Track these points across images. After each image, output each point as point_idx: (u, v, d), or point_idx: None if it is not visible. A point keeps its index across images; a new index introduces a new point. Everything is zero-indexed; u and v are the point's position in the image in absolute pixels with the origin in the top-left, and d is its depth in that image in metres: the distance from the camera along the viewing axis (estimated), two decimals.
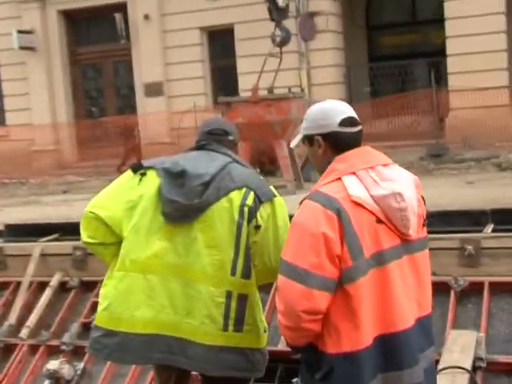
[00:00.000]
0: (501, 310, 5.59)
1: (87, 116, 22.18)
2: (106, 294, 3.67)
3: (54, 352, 6.44)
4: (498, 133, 16.98)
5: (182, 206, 3.52)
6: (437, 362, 4.83)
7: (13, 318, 6.96)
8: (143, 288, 3.57)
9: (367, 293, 2.85)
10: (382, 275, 2.87)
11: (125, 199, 3.64)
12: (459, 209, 7.45)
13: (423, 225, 3.06)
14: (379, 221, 2.88)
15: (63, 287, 7.01)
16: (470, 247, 5.77)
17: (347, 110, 3.07)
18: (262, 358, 3.72)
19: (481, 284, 5.69)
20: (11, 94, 22.28)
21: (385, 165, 2.99)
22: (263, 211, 3.59)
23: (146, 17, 20.62)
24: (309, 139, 3.09)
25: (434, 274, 5.72)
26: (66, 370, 5.98)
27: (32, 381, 6.30)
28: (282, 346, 5.68)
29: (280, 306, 2.86)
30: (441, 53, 18.93)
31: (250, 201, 3.56)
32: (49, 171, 19.90)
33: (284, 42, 13.45)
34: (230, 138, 3.82)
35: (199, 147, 3.76)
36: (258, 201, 3.58)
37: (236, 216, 3.53)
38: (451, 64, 18.20)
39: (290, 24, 15.08)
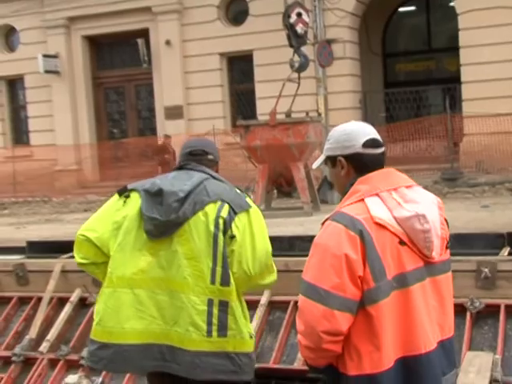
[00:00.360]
0: None
1: (109, 137, 22.58)
2: (98, 309, 3.90)
3: (73, 366, 6.38)
4: (511, 158, 17.22)
5: (161, 223, 3.74)
6: None
7: (33, 332, 6.91)
8: (132, 302, 3.78)
9: (389, 315, 2.80)
10: (405, 297, 2.83)
11: (111, 221, 3.86)
12: (475, 232, 7.44)
13: (446, 247, 3.03)
14: (402, 242, 2.84)
15: (83, 303, 6.95)
16: (486, 270, 5.70)
17: (371, 132, 3.03)
18: (249, 361, 3.81)
19: (497, 306, 5.60)
20: (36, 116, 22.71)
21: (408, 186, 2.96)
22: (238, 222, 3.73)
23: (168, 42, 21.07)
24: (332, 160, 3.06)
25: None
26: None
27: None
28: (297, 365, 5.74)
29: (300, 326, 2.83)
30: (455, 79, 19.19)
31: (224, 213, 3.72)
32: (71, 190, 20.26)
33: (302, 67, 13.64)
34: (210, 157, 4.00)
35: (179, 168, 3.99)
36: (233, 212, 3.73)
37: (212, 228, 3.70)
38: (466, 90, 18.46)
39: (308, 50, 15.33)
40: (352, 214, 2.82)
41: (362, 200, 2.87)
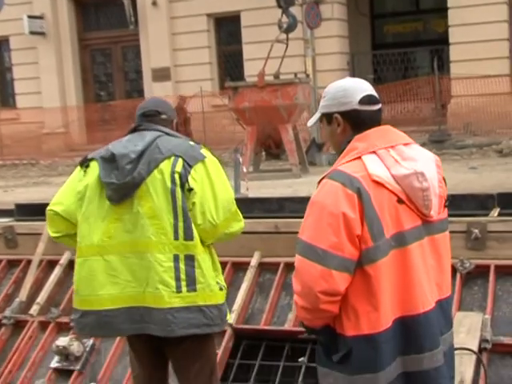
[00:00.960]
0: (506, 293, 5.55)
1: (96, 100, 22.49)
2: (74, 279, 3.98)
3: (63, 329, 6.38)
4: (499, 120, 17.26)
5: (118, 186, 3.77)
6: None
7: (23, 295, 6.91)
8: (104, 269, 3.84)
9: (387, 274, 2.77)
10: (403, 256, 2.79)
11: (75, 192, 3.92)
12: (465, 192, 7.35)
13: (444, 206, 2.98)
14: (400, 201, 2.80)
15: (72, 265, 6.99)
16: (476, 230, 5.68)
17: (368, 88, 2.96)
18: (219, 313, 3.85)
19: (487, 267, 5.58)
20: (22, 78, 22.54)
21: (406, 144, 2.91)
22: (195, 174, 3.75)
23: (154, 3, 20.89)
24: (327, 117, 2.99)
25: None
26: (76, 347, 5.97)
27: (42, 356, 6.29)
28: (288, 326, 5.86)
29: (297, 286, 2.79)
30: (443, 41, 19.17)
31: (178, 167, 3.74)
32: (58, 153, 20.19)
33: (290, 28, 13.61)
34: (163, 116, 3.98)
35: (132, 130, 3.96)
36: (188, 165, 3.74)
37: (168, 184, 3.72)
38: (454, 52, 18.45)
39: (296, 11, 15.26)
40: (349, 171, 2.77)
41: (360, 158, 2.82)
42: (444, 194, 2.98)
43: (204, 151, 3.88)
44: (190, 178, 3.75)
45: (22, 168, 18.55)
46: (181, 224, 3.74)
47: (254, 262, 6.36)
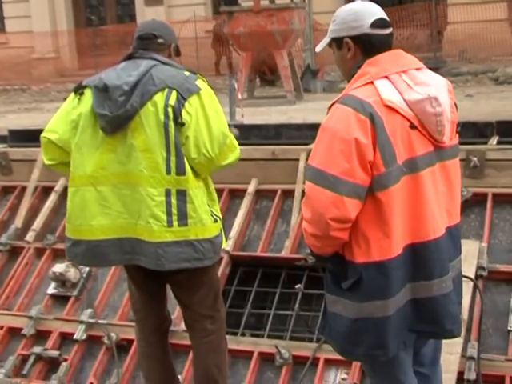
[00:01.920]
0: (503, 221, 5.59)
1: (87, 24, 22.14)
2: (67, 208, 3.97)
3: (59, 255, 6.39)
4: (495, 47, 17.10)
5: (111, 118, 3.71)
6: None
7: (18, 221, 6.91)
8: (96, 199, 3.82)
9: (399, 200, 2.76)
10: (415, 183, 2.79)
11: (69, 120, 3.86)
12: (463, 120, 7.42)
13: (456, 132, 2.98)
14: (413, 126, 2.78)
15: (67, 192, 7.17)
16: (475, 158, 5.69)
17: (378, 11, 2.93)
18: (211, 246, 3.84)
19: (484, 195, 5.62)
20: (10, 1, 22.16)
21: (418, 68, 2.89)
22: (189, 107, 3.69)
23: None
24: (337, 42, 2.95)
25: None
26: (72, 273, 6.00)
27: (38, 283, 6.32)
28: (285, 253, 5.89)
29: (307, 213, 2.77)
30: None
31: (172, 100, 3.67)
32: (49, 79, 19.98)
33: None
34: (160, 40, 3.90)
35: (127, 57, 3.89)
36: (182, 98, 3.68)
37: (161, 117, 3.67)
38: None
39: None
40: (361, 96, 2.73)
41: (371, 83, 2.79)
42: (456, 119, 2.96)
43: (199, 82, 3.81)
44: (183, 112, 3.69)
45: (12, 94, 18.36)
46: (173, 158, 3.71)
47: (250, 188, 6.35)
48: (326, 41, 3.03)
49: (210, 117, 3.74)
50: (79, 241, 3.91)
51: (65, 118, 3.89)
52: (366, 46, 2.89)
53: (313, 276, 5.76)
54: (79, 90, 3.88)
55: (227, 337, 4.38)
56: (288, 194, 6.32)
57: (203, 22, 19.46)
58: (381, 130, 2.70)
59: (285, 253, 5.91)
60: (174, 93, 3.69)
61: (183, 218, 3.75)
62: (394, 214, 2.76)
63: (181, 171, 3.73)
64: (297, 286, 5.65)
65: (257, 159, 6.40)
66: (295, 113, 10.57)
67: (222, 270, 5.75)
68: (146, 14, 20.58)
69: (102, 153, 3.80)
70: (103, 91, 3.74)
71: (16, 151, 7.64)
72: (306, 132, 7.58)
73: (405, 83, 2.80)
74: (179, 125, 3.69)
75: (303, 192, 6.08)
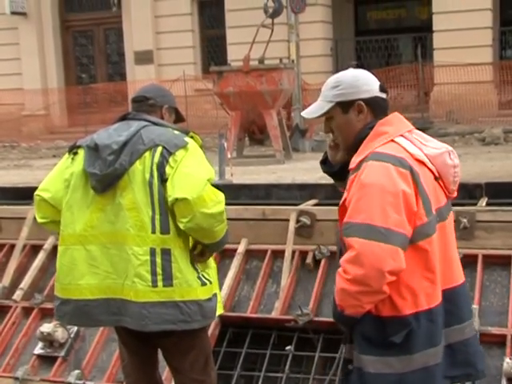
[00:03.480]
0: (494, 283, 5.63)
1: (77, 82, 22.22)
2: (56, 267, 3.97)
3: (47, 315, 6.37)
4: (481, 108, 17.31)
5: (100, 177, 3.75)
6: None
7: (6, 280, 6.88)
8: (85, 258, 3.82)
9: (436, 248, 2.87)
10: (443, 231, 2.93)
11: (62, 179, 3.90)
12: None
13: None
14: (437, 178, 2.93)
15: (56, 251, 7.12)
16: (464, 220, 5.75)
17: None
18: (200, 309, 3.77)
19: (475, 256, 5.66)
20: (2, 59, 22.23)
21: (413, 129, 3.06)
22: (173, 162, 3.70)
23: None
24: (344, 106, 3.00)
25: None
26: (60, 333, 5.97)
27: (25, 342, 6.28)
28: (275, 314, 5.87)
29: (358, 270, 2.73)
30: (427, 28, 19.16)
31: (157, 157, 3.71)
32: (39, 136, 20.00)
33: (276, 13, 13.55)
34: (150, 102, 3.97)
35: (121, 118, 3.97)
36: (167, 153, 3.71)
37: (147, 176, 3.70)
38: (437, 39, 18.43)
39: None
40: (392, 152, 2.84)
41: (393, 141, 2.91)
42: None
43: (187, 138, 3.83)
44: (167, 167, 3.70)
45: (2, 150, 18.36)
46: (157, 217, 3.70)
47: (241, 248, 6.36)
48: (325, 106, 3.04)
49: (190, 165, 3.73)
50: (67, 300, 3.89)
51: (58, 177, 3.93)
52: (376, 108, 3.00)
53: (303, 337, 5.73)
54: (73, 149, 3.93)
55: None
56: (278, 255, 6.33)
57: (193, 81, 19.63)
58: (419, 182, 2.82)
59: (275, 314, 5.89)
60: (160, 149, 3.73)
61: (168, 278, 3.71)
62: (437, 261, 2.87)
63: (165, 230, 3.71)
64: (287, 348, 5.63)
65: (247, 219, 6.43)
66: (284, 172, 10.62)
67: (211, 331, 5.70)
68: (136, 73, 20.79)
69: (92, 212, 3.81)
70: (94, 150, 3.79)
71: (5, 209, 7.63)
72: (296, 192, 7.64)
73: (418, 140, 2.96)
74: (164, 182, 3.70)
75: (293, 253, 6.15)
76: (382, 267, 2.71)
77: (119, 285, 3.77)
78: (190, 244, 3.84)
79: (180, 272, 3.72)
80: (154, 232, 3.70)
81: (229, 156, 10.29)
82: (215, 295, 3.91)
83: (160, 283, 3.69)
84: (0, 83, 22.26)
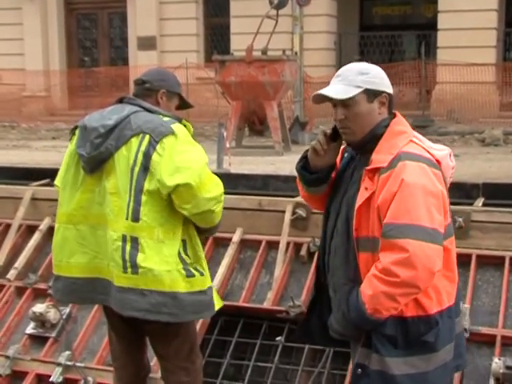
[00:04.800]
0: (486, 283, 5.65)
1: (79, 65, 22.15)
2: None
3: (40, 295, 6.40)
4: (482, 108, 17.30)
5: (86, 159, 3.77)
6: None
7: (1, 259, 6.91)
8: (75, 237, 3.87)
9: (454, 248, 3.00)
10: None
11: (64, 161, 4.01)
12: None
13: None
14: (445, 178, 3.00)
15: (52, 232, 7.12)
16: (460, 219, 5.76)
17: None
18: (169, 301, 3.71)
19: (468, 256, 5.69)
20: (5, 38, 22.19)
21: None
22: (160, 149, 3.67)
23: None
24: (371, 94, 2.98)
25: None
26: (52, 314, 5.99)
27: (17, 322, 6.30)
28: (267, 304, 5.89)
29: (410, 273, 2.73)
30: (431, 26, 19.14)
31: (143, 146, 3.69)
32: (39, 117, 19.96)
33: (281, 4, 13.47)
34: (147, 85, 3.95)
35: (118, 101, 3.96)
36: (154, 141, 3.68)
37: (131, 162, 3.69)
38: (441, 38, 18.41)
39: None
40: (420, 153, 2.89)
41: (411, 141, 2.95)
42: None
43: (175, 126, 3.78)
44: (154, 155, 3.67)
45: (1, 130, 18.32)
46: (131, 204, 3.70)
47: (235, 238, 6.37)
48: (353, 90, 2.97)
49: (184, 150, 3.71)
50: (59, 277, 3.97)
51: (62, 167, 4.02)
52: (392, 105, 3.06)
53: (294, 329, 5.74)
54: (73, 131, 3.96)
55: None
56: (272, 245, 6.34)
57: (195, 69, 19.60)
58: (445, 183, 2.95)
59: (267, 304, 5.91)
60: (147, 137, 3.71)
61: (135, 266, 3.70)
62: (455, 260, 2.98)
63: (135, 218, 3.70)
64: (277, 339, 5.64)
65: (243, 209, 6.44)
66: (282, 164, 10.62)
67: (201, 320, 5.72)
68: (138, 58, 20.75)
69: (82, 192, 3.85)
70: (82, 132, 3.82)
71: (2, 188, 7.64)
72: (293, 184, 7.62)
73: (422, 142, 3.02)
74: (147, 170, 3.68)
75: (288, 244, 6.16)
76: (433, 268, 2.75)
77: (105, 265, 3.82)
78: (179, 235, 3.79)
79: (145, 262, 3.68)
80: (127, 218, 3.71)
81: (228, 145, 10.28)
82: (209, 288, 3.87)
83: (129, 270, 3.70)
84: (2, 63, 22.24)
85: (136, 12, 20.92)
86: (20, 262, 6.77)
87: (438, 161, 2.94)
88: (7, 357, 5.80)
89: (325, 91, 3.00)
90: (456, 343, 3.03)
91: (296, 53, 15.01)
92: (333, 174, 3.18)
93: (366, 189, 2.89)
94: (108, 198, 3.76)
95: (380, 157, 2.90)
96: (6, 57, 22.11)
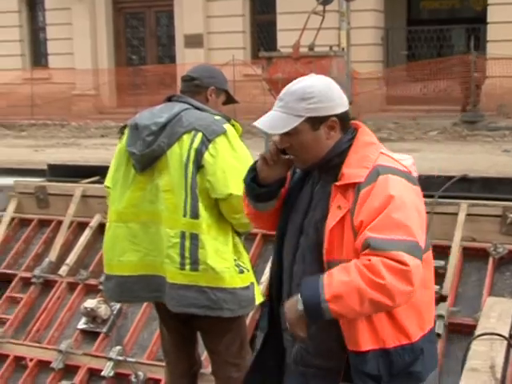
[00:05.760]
0: None
1: (127, 63, 22.39)
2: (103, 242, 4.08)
3: (91, 291, 6.52)
4: None
5: (138, 157, 3.81)
6: (474, 327, 5.00)
7: (53, 255, 7.03)
8: (126, 235, 3.89)
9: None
10: None
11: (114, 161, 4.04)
12: (500, 176, 7.34)
13: None
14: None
15: (102, 228, 7.20)
16: (511, 215, 5.74)
17: None
18: (229, 297, 3.77)
19: None
20: (55, 38, 22.54)
21: None
22: (213, 149, 3.72)
23: None
24: (315, 122, 2.64)
25: (473, 240, 5.84)
26: (103, 310, 6.09)
27: (69, 317, 6.40)
28: None
29: (399, 284, 2.39)
30: (481, 20, 18.88)
31: (196, 143, 3.73)
32: (88, 115, 20.21)
33: (328, 0, 13.48)
34: (196, 82, 3.96)
35: (166, 99, 4.00)
36: (207, 140, 3.73)
37: (184, 159, 3.73)
38: (491, 31, 18.15)
39: None
40: (397, 167, 2.63)
41: (382, 153, 2.65)
42: None
43: (227, 126, 3.83)
44: (206, 154, 3.72)
45: (52, 128, 18.59)
46: (189, 201, 3.73)
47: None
48: (293, 122, 2.63)
49: (235, 157, 3.76)
50: (110, 276, 4.00)
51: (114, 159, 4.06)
52: (346, 123, 2.71)
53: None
54: (122, 130, 4.01)
55: None
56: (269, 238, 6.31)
57: (242, 66, 19.63)
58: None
59: None
60: (200, 135, 3.75)
61: (195, 263, 3.74)
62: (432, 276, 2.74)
63: (194, 214, 3.74)
64: None
65: None
66: None
67: (251, 315, 5.73)
68: (185, 56, 20.84)
69: (132, 191, 3.88)
70: (135, 130, 3.85)
71: (54, 185, 7.78)
72: None
73: (390, 154, 2.74)
74: (200, 167, 3.73)
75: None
76: (416, 283, 2.45)
77: (158, 262, 3.83)
78: (230, 232, 3.86)
79: (206, 258, 3.73)
80: (185, 215, 3.74)
81: None
82: (252, 284, 3.93)
83: (187, 266, 3.74)
84: (52, 62, 22.61)
85: (183, 10, 21.02)
86: (71, 258, 6.88)
87: (410, 172, 2.67)
88: (60, 351, 5.90)
89: (261, 123, 2.67)
90: None
91: (343, 48, 14.92)
92: (283, 190, 2.87)
93: (339, 207, 2.58)
94: (161, 196, 3.79)
95: (353, 171, 2.59)
96: (57, 56, 22.46)
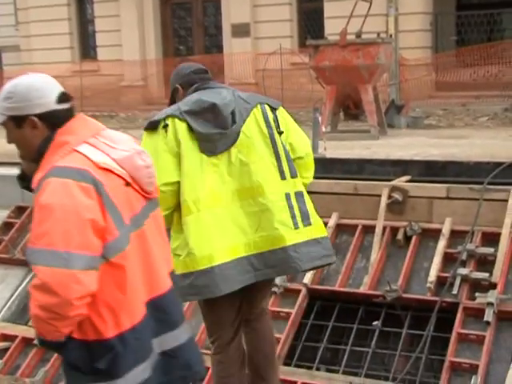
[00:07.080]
0: None
1: (175, 54, 22.51)
2: (181, 242, 3.84)
3: None
4: None
5: (222, 136, 3.82)
6: None
7: None
8: (213, 222, 3.81)
9: (134, 260, 2.72)
10: (141, 239, 2.79)
11: (171, 162, 3.83)
12: None
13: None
14: (127, 184, 2.76)
15: None
16: None
17: (58, 86, 2.83)
18: (330, 243, 4.18)
19: None
20: (103, 30, 22.77)
21: (103, 129, 2.85)
22: (280, 117, 4.04)
23: None
24: (17, 121, 2.76)
25: None
26: None
27: None
28: (363, 289, 5.89)
29: (44, 298, 2.52)
30: None
31: (269, 113, 3.99)
32: (136, 106, 20.39)
33: None
34: (210, 75, 4.11)
35: (195, 89, 3.95)
36: (274, 109, 4.03)
37: (265, 130, 3.94)
38: None
39: None
40: (74, 165, 2.63)
41: (74, 150, 2.69)
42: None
43: None
44: (281, 121, 4.01)
45: (101, 119, 18.43)
46: (285, 164, 3.93)
47: (331, 222, 6.36)
48: (1, 119, 2.79)
49: (293, 123, 4.16)
50: (205, 270, 3.81)
51: (168, 163, 3.85)
52: (53, 122, 2.76)
53: (391, 313, 5.71)
54: (158, 125, 3.88)
55: (302, 370, 4.38)
56: (368, 230, 6.31)
57: (289, 55, 19.59)
58: (105, 194, 2.63)
59: (363, 289, 5.89)
60: (267, 106, 4.00)
61: (307, 218, 3.94)
62: (135, 274, 2.71)
63: (294, 174, 3.97)
64: (374, 323, 5.63)
65: (338, 193, 6.41)
66: (378, 148, 10.52)
67: (299, 303, 5.75)
68: (233, 45, 20.89)
69: (207, 175, 3.84)
70: (207, 112, 3.82)
71: None
72: (389, 168, 7.57)
73: (105, 144, 2.74)
74: (281, 133, 3.97)
75: (384, 228, 6.12)
76: (67, 295, 2.50)
77: (249, 241, 3.85)
78: None
79: (311, 212, 4.00)
80: (284, 178, 3.92)
81: (323, 130, 10.25)
82: None
83: (301, 224, 3.91)
84: (101, 54, 22.85)
85: (229, 0, 21.04)
86: None
87: (104, 168, 2.67)
88: None
89: None
90: (177, 355, 2.85)
91: (391, 35, 14.82)
92: None
93: None
94: (249, 169, 3.86)
95: (35, 177, 2.68)
96: (105, 48, 22.69)
